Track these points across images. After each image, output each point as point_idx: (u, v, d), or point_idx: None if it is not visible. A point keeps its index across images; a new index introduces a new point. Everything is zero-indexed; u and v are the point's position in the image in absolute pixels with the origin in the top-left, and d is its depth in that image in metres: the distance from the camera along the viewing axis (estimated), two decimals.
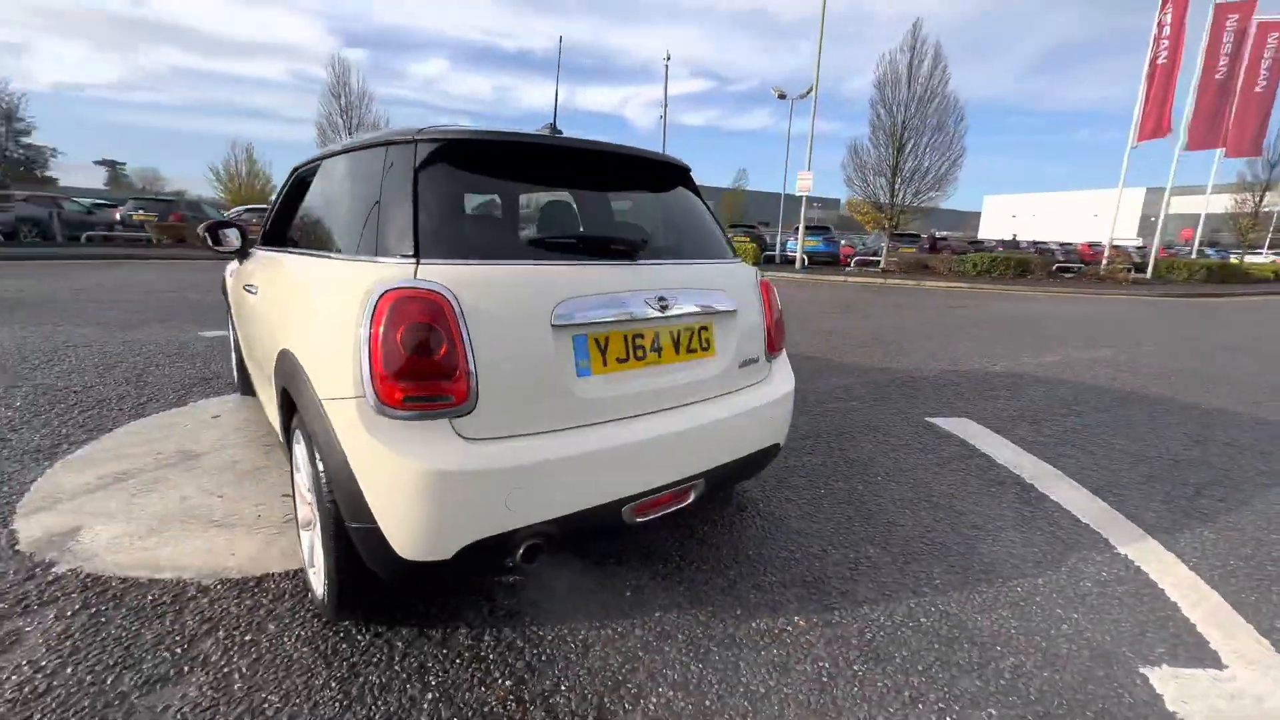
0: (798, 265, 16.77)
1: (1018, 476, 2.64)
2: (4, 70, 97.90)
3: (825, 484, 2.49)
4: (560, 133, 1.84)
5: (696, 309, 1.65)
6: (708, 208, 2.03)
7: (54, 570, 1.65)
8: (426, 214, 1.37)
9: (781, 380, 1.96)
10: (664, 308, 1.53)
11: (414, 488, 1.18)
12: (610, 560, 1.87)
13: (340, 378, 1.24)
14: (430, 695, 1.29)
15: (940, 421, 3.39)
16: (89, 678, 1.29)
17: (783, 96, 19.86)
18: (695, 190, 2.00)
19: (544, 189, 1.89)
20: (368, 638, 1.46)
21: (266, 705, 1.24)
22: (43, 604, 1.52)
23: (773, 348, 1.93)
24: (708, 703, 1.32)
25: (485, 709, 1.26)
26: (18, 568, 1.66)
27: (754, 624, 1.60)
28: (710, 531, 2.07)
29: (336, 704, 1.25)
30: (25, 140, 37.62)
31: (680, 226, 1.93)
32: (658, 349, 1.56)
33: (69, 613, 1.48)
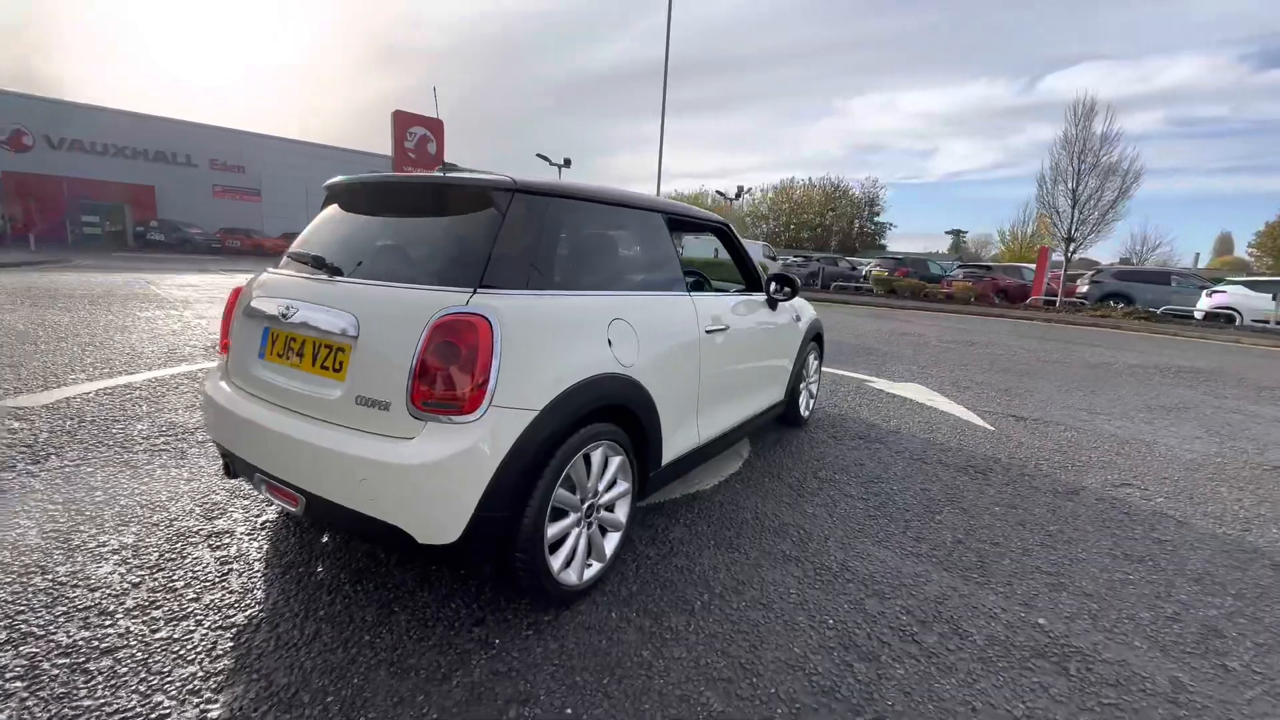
0: None
1: None
2: (912, 170, 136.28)
3: None
4: (451, 169, 2.11)
5: (310, 324, 1.78)
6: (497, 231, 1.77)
7: None
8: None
9: (424, 451, 1.55)
10: (284, 316, 1.81)
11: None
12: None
13: None
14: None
15: None
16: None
17: None
18: (501, 210, 1.79)
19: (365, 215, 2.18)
20: None
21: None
22: None
23: (415, 400, 1.58)
24: None
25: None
26: None
27: None
28: None
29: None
30: (876, 219, 52.13)
31: (418, 246, 1.88)
32: (300, 355, 1.83)
33: None
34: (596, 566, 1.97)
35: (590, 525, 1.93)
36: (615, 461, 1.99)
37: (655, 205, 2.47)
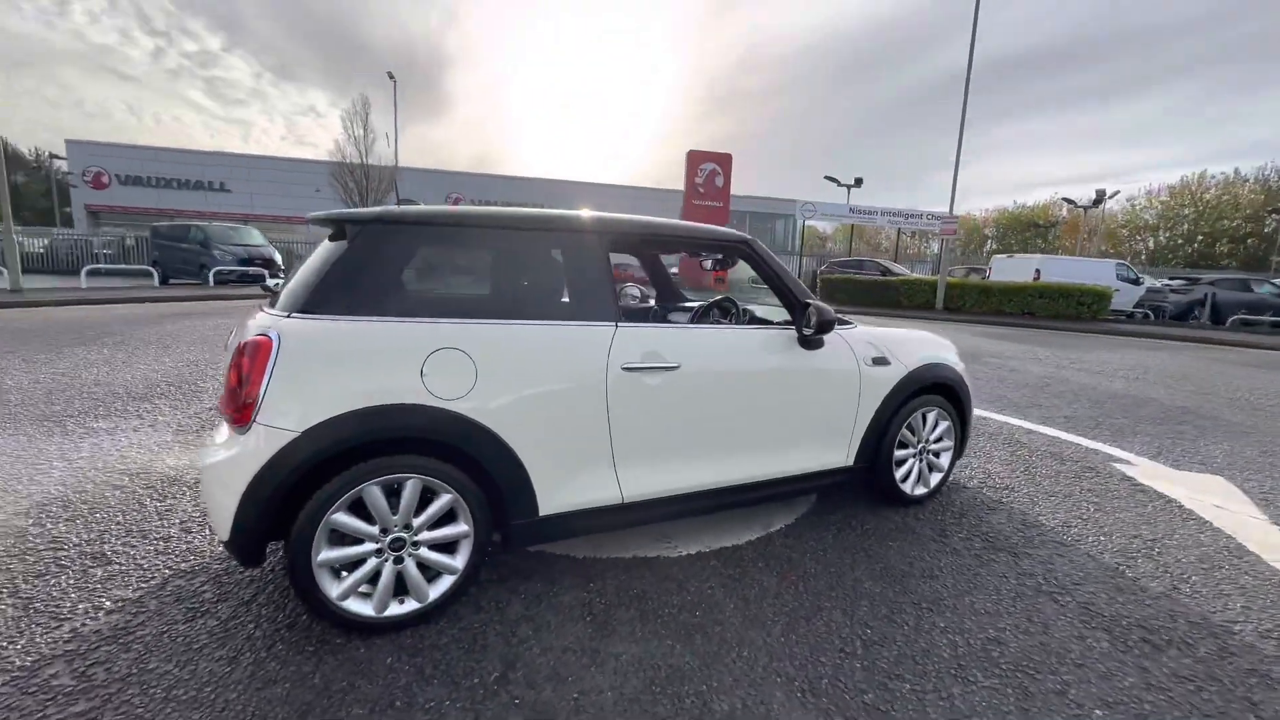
0: None
1: None
2: None
3: None
4: (408, 202, 2.32)
5: None
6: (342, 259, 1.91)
7: None
8: None
9: (211, 456, 1.80)
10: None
11: None
12: None
13: None
14: None
15: None
16: None
17: None
18: (346, 240, 1.94)
19: None
20: None
21: None
22: None
23: (222, 410, 1.81)
24: None
25: None
26: None
27: None
28: None
29: None
30: None
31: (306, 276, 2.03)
32: None
33: None
34: (413, 606, 1.89)
35: (400, 560, 1.86)
36: (443, 499, 1.88)
37: (585, 225, 2.23)
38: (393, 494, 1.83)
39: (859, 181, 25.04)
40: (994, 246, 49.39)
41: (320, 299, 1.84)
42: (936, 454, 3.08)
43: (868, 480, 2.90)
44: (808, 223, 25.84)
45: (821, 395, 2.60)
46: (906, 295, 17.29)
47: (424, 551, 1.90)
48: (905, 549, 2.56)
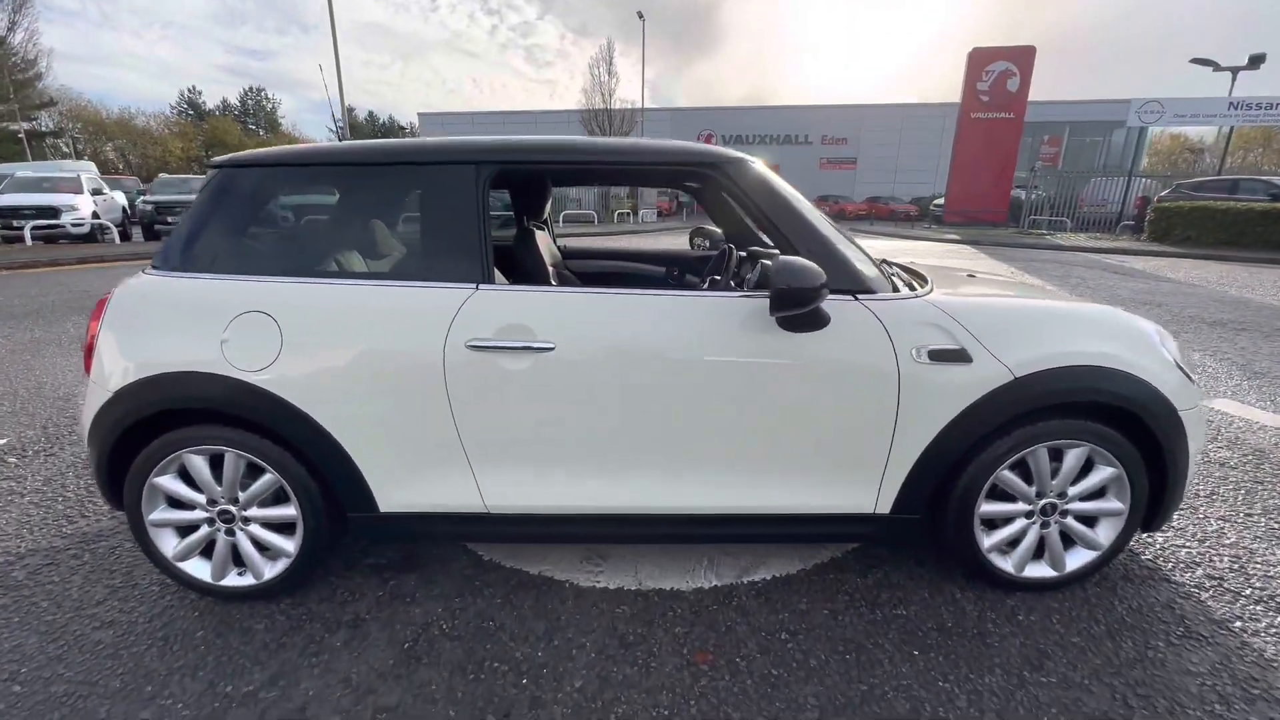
0: None
1: None
2: None
3: None
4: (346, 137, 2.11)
5: None
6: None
7: None
8: None
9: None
10: None
11: None
12: None
13: None
14: None
15: None
16: None
17: None
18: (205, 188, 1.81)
19: None
20: None
21: None
22: None
23: None
24: None
25: None
26: None
27: None
28: None
29: None
30: None
31: None
32: None
33: None
34: (249, 580, 1.79)
35: (232, 533, 1.76)
36: (265, 478, 1.70)
37: (447, 156, 1.68)
38: (218, 466, 1.72)
39: (1256, 61, 16.79)
40: None
41: (168, 253, 1.75)
42: (1090, 520, 1.80)
43: (934, 539, 1.84)
44: (1168, 130, 18.66)
45: (816, 401, 1.65)
46: None
47: (255, 529, 1.77)
48: (934, 674, 1.54)
